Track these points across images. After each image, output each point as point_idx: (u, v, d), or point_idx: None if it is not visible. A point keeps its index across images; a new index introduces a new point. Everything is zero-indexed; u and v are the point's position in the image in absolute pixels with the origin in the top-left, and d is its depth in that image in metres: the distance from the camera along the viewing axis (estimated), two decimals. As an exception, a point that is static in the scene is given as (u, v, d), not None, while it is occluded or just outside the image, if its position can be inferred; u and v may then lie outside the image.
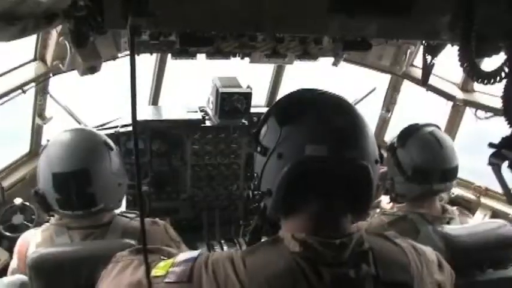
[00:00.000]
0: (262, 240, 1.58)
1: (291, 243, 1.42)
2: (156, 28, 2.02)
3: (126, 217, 2.60)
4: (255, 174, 1.59)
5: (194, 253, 1.49)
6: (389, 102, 5.10)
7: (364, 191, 1.50)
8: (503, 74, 1.45)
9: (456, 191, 4.74)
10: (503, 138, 1.49)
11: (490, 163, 1.51)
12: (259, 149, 1.54)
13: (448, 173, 2.84)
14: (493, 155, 1.50)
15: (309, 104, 1.51)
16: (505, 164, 1.49)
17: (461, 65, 1.52)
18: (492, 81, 1.48)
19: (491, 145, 1.49)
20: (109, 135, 4.17)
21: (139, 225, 1.28)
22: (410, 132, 2.92)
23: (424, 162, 2.80)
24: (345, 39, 2.57)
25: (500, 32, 1.57)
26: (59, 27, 2.89)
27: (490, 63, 1.63)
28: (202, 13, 1.42)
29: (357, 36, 2.31)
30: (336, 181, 1.46)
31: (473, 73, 1.50)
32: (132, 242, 2.26)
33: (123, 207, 3.04)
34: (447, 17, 1.64)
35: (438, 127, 2.98)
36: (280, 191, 1.47)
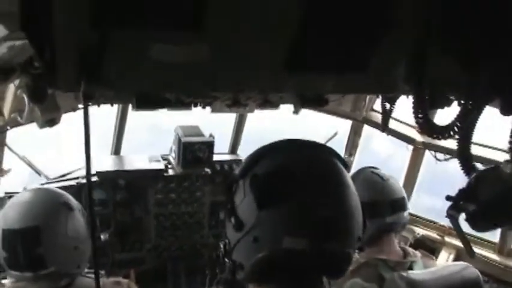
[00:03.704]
0: None
1: None
2: (110, 91, 2.01)
3: (89, 277, 2.48)
4: (227, 241, 1.51)
5: None
6: (351, 147, 5.16)
7: (342, 269, 1.47)
8: (455, 128, 1.50)
9: (421, 231, 4.80)
10: (459, 191, 1.52)
11: (447, 215, 1.54)
12: (233, 220, 1.43)
13: (397, 204, 2.90)
14: (450, 207, 1.52)
15: (291, 184, 1.38)
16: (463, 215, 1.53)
17: (416, 121, 1.55)
18: (446, 135, 1.52)
19: (448, 198, 1.52)
20: (71, 187, 4.13)
21: (103, 285, 1.24)
22: (355, 175, 3.00)
23: (371, 197, 2.84)
24: (302, 95, 2.60)
25: (451, 85, 1.62)
26: (17, 81, 2.85)
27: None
28: (156, 77, 1.40)
29: (314, 92, 2.34)
30: (313, 267, 1.42)
31: (427, 128, 1.54)
32: None
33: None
34: (401, 72, 1.68)
35: (379, 169, 3.06)
36: (253, 271, 1.42)
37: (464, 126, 1.50)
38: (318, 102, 2.59)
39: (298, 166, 1.42)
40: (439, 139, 1.53)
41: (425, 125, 1.52)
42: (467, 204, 1.47)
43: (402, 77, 1.63)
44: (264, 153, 1.47)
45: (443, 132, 1.50)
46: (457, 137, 1.60)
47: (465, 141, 1.55)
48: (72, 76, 1.21)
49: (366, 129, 5.01)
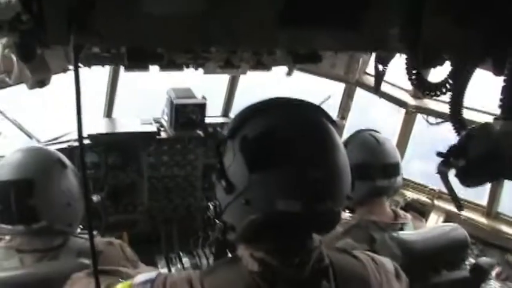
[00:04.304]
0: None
1: (249, 263, 1.40)
2: (101, 45, 1.97)
3: (82, 238, 2.50)
4: (217, 202, 1.50)
5: (152, 274, 1.44)
6: (344, 110, 5.16)
7: (332, 226, 1.48)
8: (447, 86, 1.49)
9: (411, 194, 4.86)
10: (450, 147, 1.53)
11: (438, 171, 1.55)
12: (223, 182, 1.41)
13: (389, 168, 2.91)
14: (441, 164, 1.54)
15: (283, 146, 1.35)
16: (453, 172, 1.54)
17: (409, 78, 1.55)
18: (438, 93, 1.52)
19: (439, 154, 1.53)
20: (62, 150, 4.11)
21: (95, 245, 1.25)
22: (352, 136, 3.05)
23: (364, 159, 2.86)
24: (295, 52, 2.58)
25: (444, 44, 1.61)
26: (4, 40, 2.79)
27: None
28: (149, 30, 1.37)
29: (307, 49, 2.31)
30: (304, 227, 1.43)
31: (419, 85, 1.54)
32: (87, 261, 2.18)
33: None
34: (395, 29, 1.66)
35: (378, 131, 3.08)
36: (244, 232, 1.41)
37: (457, 85, 1.50)
38: (311, 59, 2.57)
39: (289, 127, 1.39)
40: (431, 96, 1.53)
41: (419, 82, 1.52)
42: (458, 161, 1.48)
43: (395, 34, 1.61)
44: (254, 113, 1.44)
45: (436, 89, 1.50)
46: (449, 96, 1.60)
47: (457, 100, 1.55)
48: (62, 29, 1.19)
49: (360, 94, 4.99)
